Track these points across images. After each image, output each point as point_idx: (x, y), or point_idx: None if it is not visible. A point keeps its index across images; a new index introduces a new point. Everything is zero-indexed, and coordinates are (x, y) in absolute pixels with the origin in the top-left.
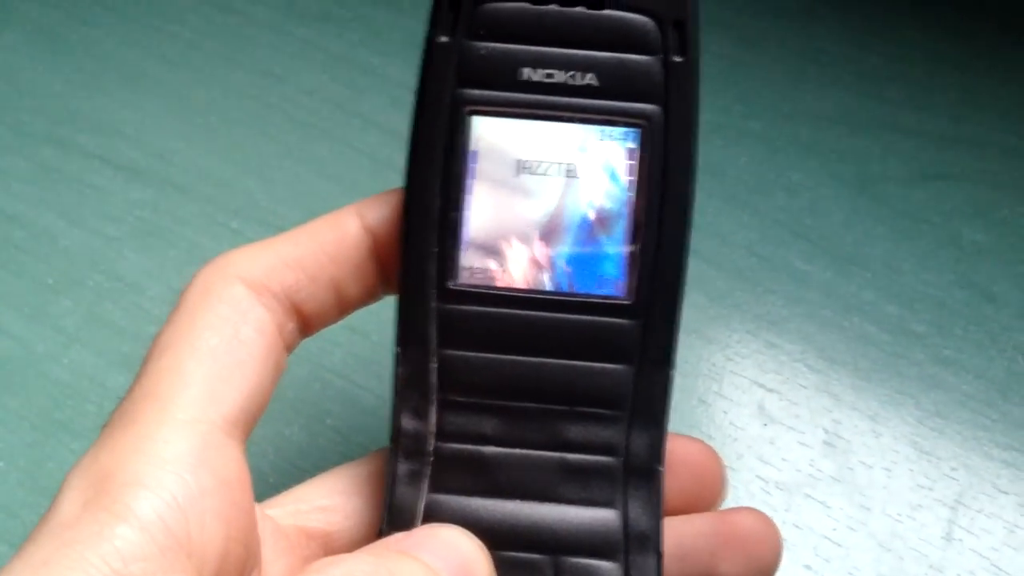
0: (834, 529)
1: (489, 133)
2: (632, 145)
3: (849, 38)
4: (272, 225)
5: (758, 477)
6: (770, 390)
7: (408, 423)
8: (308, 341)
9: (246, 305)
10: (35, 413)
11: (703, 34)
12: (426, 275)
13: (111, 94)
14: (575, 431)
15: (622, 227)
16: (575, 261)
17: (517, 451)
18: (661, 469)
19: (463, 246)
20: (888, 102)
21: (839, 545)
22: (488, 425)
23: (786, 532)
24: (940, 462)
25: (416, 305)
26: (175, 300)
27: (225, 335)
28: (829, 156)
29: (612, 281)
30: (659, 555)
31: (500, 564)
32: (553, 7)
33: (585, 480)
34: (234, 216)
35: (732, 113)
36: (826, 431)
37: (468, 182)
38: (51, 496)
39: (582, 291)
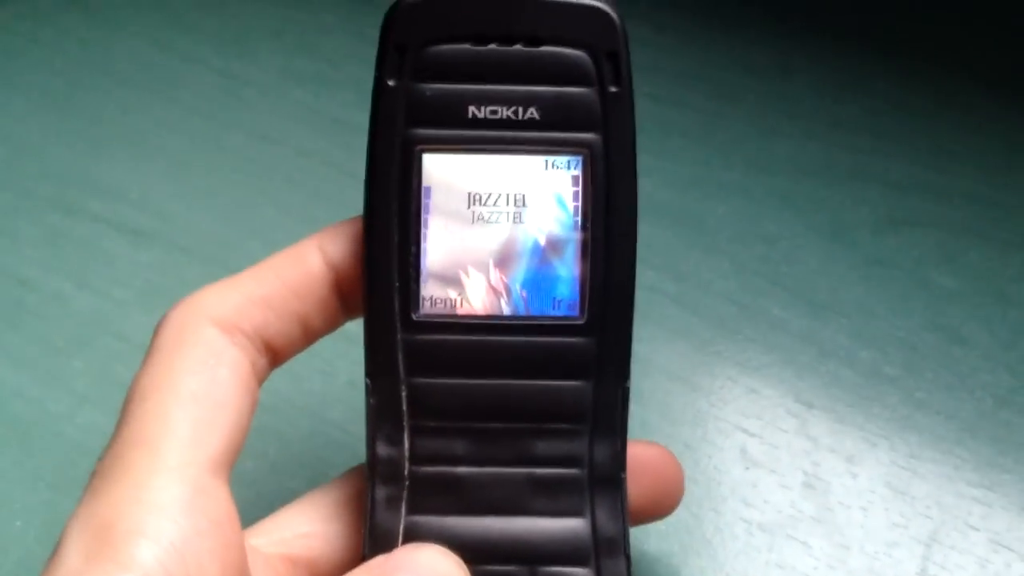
0: (815, 568)
1: (440, 169)
2: (576, 172)
3: (823, 91)
4: None
5: (741, 519)
6: (752, 434)
7: (383, 450)
8: (310, 396)
9: (220, 346)
10: (50, 472)
11: (672, 80)
12: (390, 308)
13: (114, 159)
14: (541, 446)
15: (572, 250)
16: (529, 285)
17: (488, 469)
18: (623, 476)
19: (423, 278)
20: (860, 152)
21: None
22: (459, 446)
23: (769, 573)
24: (914, 501)
25: (382, 336)
26: None
27: (203, 379)
28: (804, 206)
29: (566, 302)
30: (628, 558)
31: None
32: (493, 47)
33: (554, 492)
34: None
35: (710, 165)
36: (805, 473)
37: (423, 217)
38: None
39: (538, 313)
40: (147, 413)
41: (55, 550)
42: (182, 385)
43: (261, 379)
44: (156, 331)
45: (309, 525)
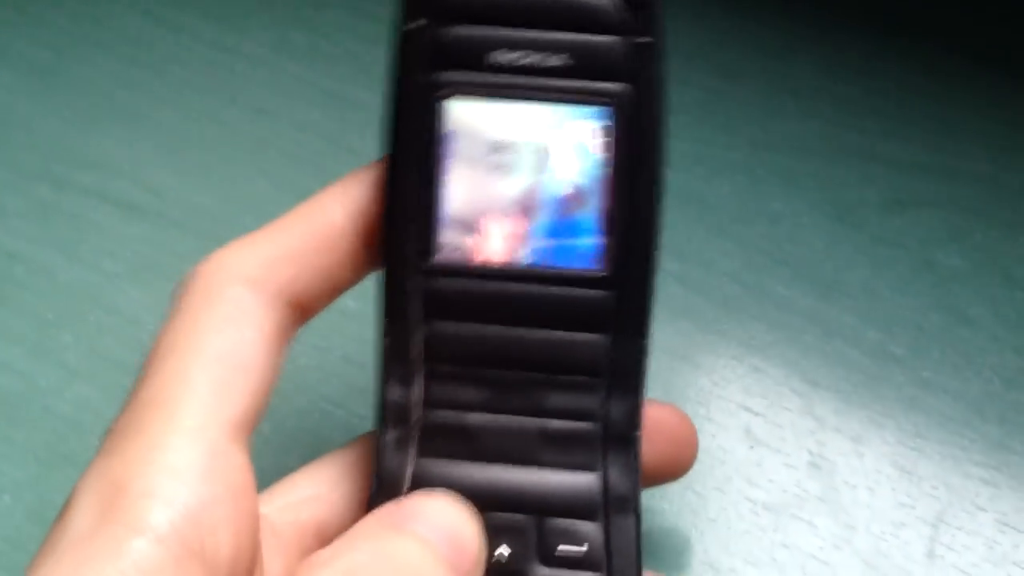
0: (820, 548)
1: (463, 115)
2: (603, 123)
3: (827, 71)
4: None
5: (746, 499)
6: (756, 414)
7: (394, 393)
8: (305, 372)
9: (247, 305)
10: (40, 447)
11: (676, 58)
12: (409, 252)
13: (106, 132)
14: (556, 398)
15: (596, 202)
16: (551, 235)
17: (501, 417)
18: (638, 435)
19: (442, 224)
20: (865, 132)
21: (826, 563)
22: (472, 393)
23: (774, 553)
24: (921, 481)
25: (400, 281)
26: None
27: (229, 338)
28: (808, 185)
29: (587, 254)
30: (638, 516)
31: (485, 526)
32: None
33: (566, 445)
34: None
35: (714, 144)
36: (811, 453)
37: (445, 163)
38: None
39: (558, 264)
40: (167, 372)
41: (63, 510)
42: (206, 344)
43: (288, 338)
44: (181, 288)
45: (315, 488)
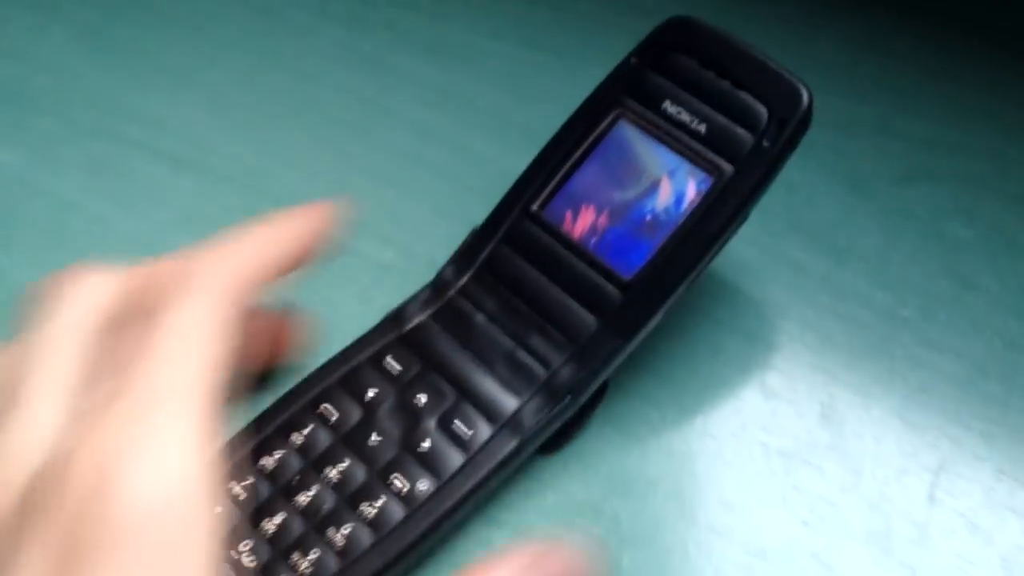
0: (828, 491)
1: (623, 133)
2: (701, 186)
3: (845, 48)
4: None
5: (760, 443)
6: (772, 367)
7: (448, 273)
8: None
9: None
10: None
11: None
12: (523, 196)
13: (154, 90)
14: (536, 339)
15: (661, 235)
16: (618, 237)
17: (494, 328)
18: (568, 400)
19: (562, 190)
20: (880, 107)
21: (833, 505)
22: (491, 302)
23: (785, 493)
24: (924, 432)
25: (509, 206)
26: None
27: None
28: (826, 156)
29: (627, 262)
30: (522, 443)
31: (429, 378)
32: (712, 73)
33: (517, 372)
34: (275, 204)
35: None
36: (822, 404)
37: (591, 154)
38: None
39: (607, 257)
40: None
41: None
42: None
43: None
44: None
45: None
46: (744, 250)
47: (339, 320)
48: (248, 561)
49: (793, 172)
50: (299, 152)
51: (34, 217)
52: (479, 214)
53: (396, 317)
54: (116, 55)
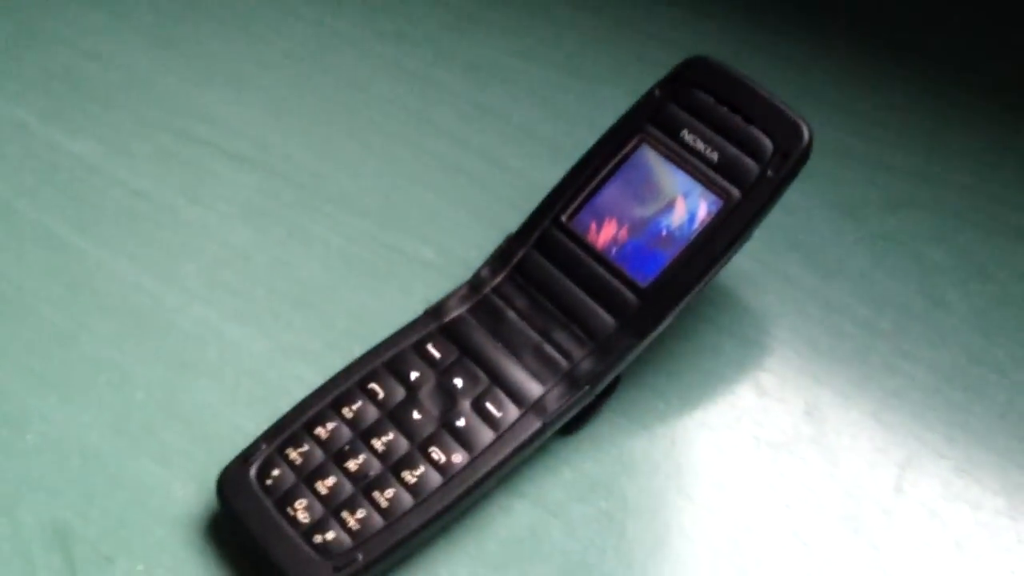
0: (809, 478)
1: (645, 156)
2: (712, 208)
3: (840, 86)
4: (360, 213)
5: (753, 436)
6: (765, 369)
7: (485, 273)
8: (388, 314)
9: None
10: (167, 355)
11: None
12: (554, 207)
13: (217, 92)
14: (560, 335)
15: (674, 249)
16: (636, 249)
17: (523, 323)
18: (587, 389)
19: (589, 204)
20: (872, 141)
21: (812, 491)
22: (522, 300)
23: (772, 479)
24: (895, 431)
25: (540, 216)
26: (280, 269)
27: None
28: (822, 184)
29: (645, 272)
30: (544, 425)
31: (459, 363)
32: (725, 109)
33: (542, 362)
34: (328, 202)
35: None
36: (807, 403)
37: (617, 173)
38: (181, 420)
39: (626, 266)
40: None
41: None
42: None
43: None
44: None
45: None
46: (745, 264)
47: (383, 308)
48: (303, 517)
49: (792, 196)
50: (349, 155)
51: (106, 204)
52: (508, 220)
53: (437, 310)
54: (185, 59)
